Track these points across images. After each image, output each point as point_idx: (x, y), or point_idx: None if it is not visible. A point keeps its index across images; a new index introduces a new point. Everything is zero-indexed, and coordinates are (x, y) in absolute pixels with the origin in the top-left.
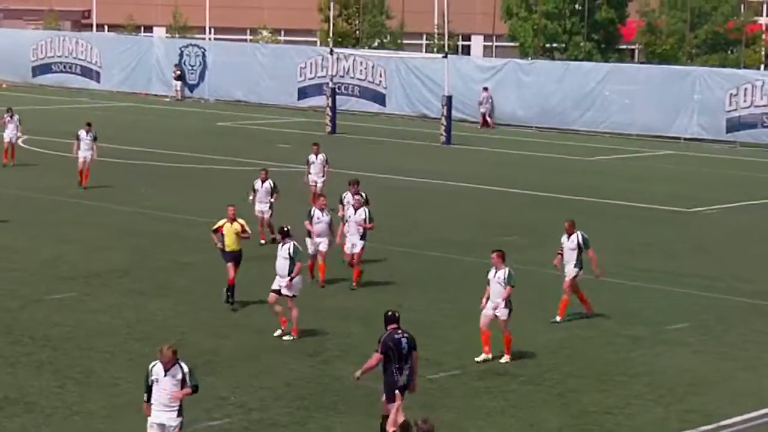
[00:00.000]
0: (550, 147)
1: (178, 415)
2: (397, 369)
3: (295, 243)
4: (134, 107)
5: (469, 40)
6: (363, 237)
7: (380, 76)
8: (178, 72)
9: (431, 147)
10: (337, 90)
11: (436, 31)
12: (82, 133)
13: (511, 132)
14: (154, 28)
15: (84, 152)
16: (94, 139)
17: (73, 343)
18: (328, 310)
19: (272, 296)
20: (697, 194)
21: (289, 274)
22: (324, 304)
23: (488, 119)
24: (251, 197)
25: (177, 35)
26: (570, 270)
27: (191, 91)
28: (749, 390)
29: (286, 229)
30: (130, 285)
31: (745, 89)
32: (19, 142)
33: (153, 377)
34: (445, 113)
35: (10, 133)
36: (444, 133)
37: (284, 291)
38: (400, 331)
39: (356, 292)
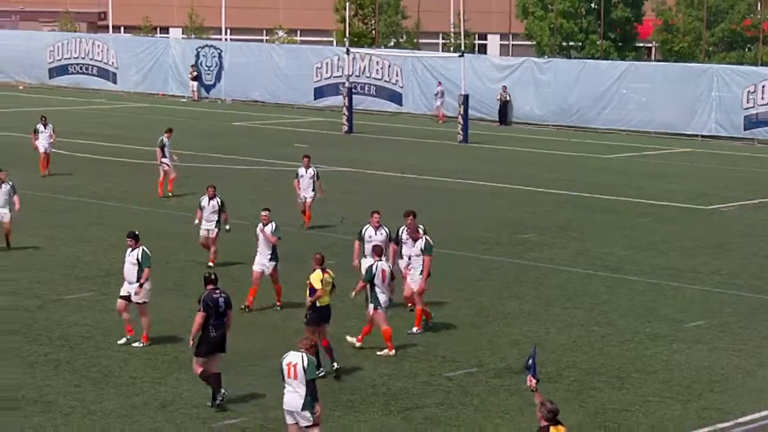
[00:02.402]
0: (567, 145)
1: None
2: (213, 326)
3: (145, 249)
4: (151, 108)
5: (486, 39)
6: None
7: (396, 75)
8: (195, 73)
9: (448, 146)
10: (353, 90)
11: (452, 30)
12: (165, 139)
13: (529, 130)
14: (171, 29)
15: (167, 159)
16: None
17: (90, 342)
18: (346, 308)
19: (121, 303)
20: (716, 192)
21: (137, 280)
22: (343, 303)
23: (441, 112)
24: (197, 217)
25: (193, 36)
26: (417, 277)
27: (208, 92)
28: (767, 387)
29: (136, 233)
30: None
31: (763, 86)
32: (50, 148)
33: None
34: (461, 112)
35: (44, 142)
36: (461, 132)
37: (134, 298)
38: (218, 291)
39: None
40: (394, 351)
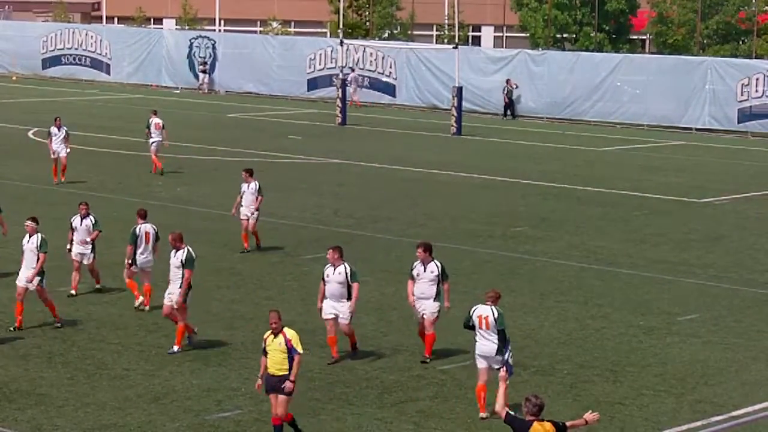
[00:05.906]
0: (561, 138)
1: None
2: None
3: None
4: (145, 99)
5: (480, 30)
6: (437, 298)
7: (390, 67)
8: (204, 66)
9: (442, 138)
10: (347, 81)
11: (446, 21)
12: (154, 120)
13: (522, 123)
14: (164, 20)
15: (156, 138)
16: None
17: (83, 335)
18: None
19: None
20: (709, 185)
21: None
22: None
23: (356, 98)
24: (69, 240)
25: (187, 27)
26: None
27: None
28: (761, 380)
29: None
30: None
31: (757, 79)
32: (64, 153)
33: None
34: (455, 104)
35: (57, 147)
36: (455, 124)
37: None
38: None
39: (368, 284)
40: (141, 298)
